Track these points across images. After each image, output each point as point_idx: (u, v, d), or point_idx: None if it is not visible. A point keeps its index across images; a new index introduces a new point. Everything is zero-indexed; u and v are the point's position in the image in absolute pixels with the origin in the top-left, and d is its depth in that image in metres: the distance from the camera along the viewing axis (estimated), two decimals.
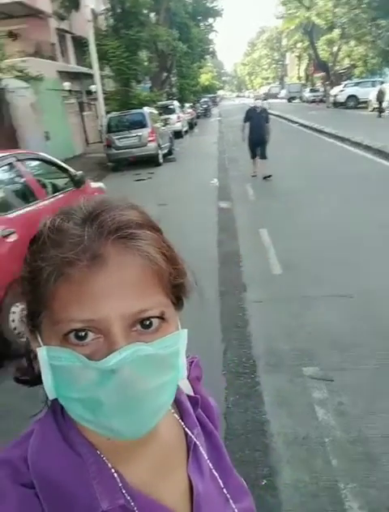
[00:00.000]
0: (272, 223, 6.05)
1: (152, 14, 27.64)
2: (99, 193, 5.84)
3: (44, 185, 4.69)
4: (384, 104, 20.67)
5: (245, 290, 4.15)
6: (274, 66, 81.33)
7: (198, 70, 40.82)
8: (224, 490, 0.60)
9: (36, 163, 4.94)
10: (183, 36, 27.68)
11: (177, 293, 0.51)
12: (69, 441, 0.51)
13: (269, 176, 8.85)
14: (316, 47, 38.75)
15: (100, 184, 6.21)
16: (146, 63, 23.19)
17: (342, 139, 13.30)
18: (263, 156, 9.05)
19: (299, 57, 52.11)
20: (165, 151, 13.86)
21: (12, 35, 17.06)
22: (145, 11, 20.19)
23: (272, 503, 1.96)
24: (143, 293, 0.45)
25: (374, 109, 22.19)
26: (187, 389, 0.66)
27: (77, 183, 5.16)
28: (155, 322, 0.46)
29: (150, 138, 12.54)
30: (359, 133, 13.04)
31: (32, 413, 0.58)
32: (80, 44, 17.45)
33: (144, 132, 12.58)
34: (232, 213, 6.92)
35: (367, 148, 11.12)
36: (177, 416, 0.61)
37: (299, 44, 47.12)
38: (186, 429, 0.59)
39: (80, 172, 5.30)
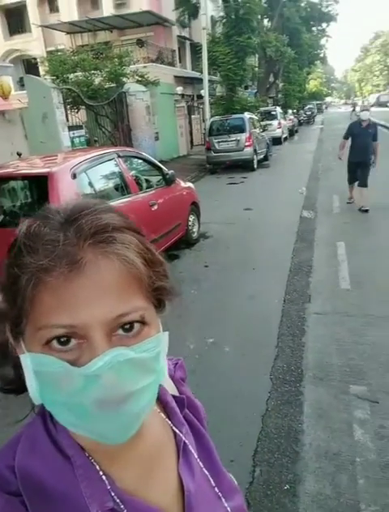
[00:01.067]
0: (351, 237, 5.77)
1: (266, 21, 27.24)
2: (188, 192, 6.07)
3: (138, 181, 5.01)
4: None
5: (310, 301, 4.06)
6: (386, 72, 75.32)
7: (306, 76, 39.34)
8: (216, 489, 0.58)
9: (135, 160, 5.29)
10: (293, 41, 26.86)
11: (158, 296, 0.49)
12: (57, 445, 0.49)
13: (366, 210, 6.81)
14: None
15: (189, 184, 6.41)
16: (255, 68, 22.99)
17: None
18: (363, 184, 6.94)
19: None
20: (261, 156, 13.73)
21: (140, 42, 18.09)
22: (258, 17, 20.01)
23: (290, 509, 1.97)
24: (122, 298, 0.44)
25: None
26: (172, 389, 0.64)
27: (168, 181, 5.43)
28: (136, 325, 0.45)
29: (247, 143, 12.52)
30: None
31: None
32: (197, 50, 17.93)
33: (242, 137, 12.58)
34: (313, 223, 6.71)
35: None
36: (163, 415, 0.59)
37: None
38: (174, 429, 0.58)
39: (171, 171, 5.54)
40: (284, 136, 20.77)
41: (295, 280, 4.60)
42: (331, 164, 11.56)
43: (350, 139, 7.12)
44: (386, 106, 48.50)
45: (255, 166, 12.84)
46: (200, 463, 0.58)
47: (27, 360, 0.45)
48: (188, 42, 23.58)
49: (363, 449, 2.30)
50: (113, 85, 12.44)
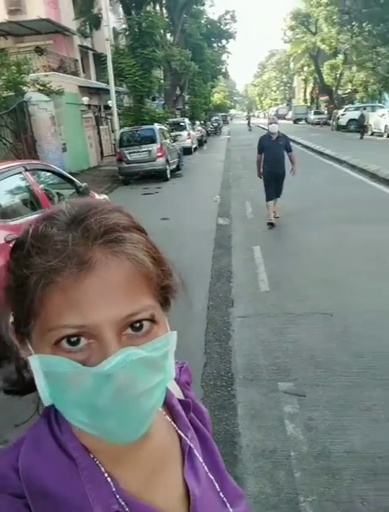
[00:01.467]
0: (266, 241, 6.11)
1: (168, 35, 28.05)
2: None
3: (50, 195, 4.77)
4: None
5: (233, 305, 4.19)
6: (282, 88, 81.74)
7: (210, 89, 41.14)
8: (221, 494, 0.58)
9: (44, 173, 5.04)
10: (196, 56, 27.97)
11: (164, 294, 0.50)
12: (62, 446, 0.49)
13: (277, 217, 7.00)
14: (321, 71, 39.13)
15: (104, 196, 6.28)
16: (161, 81, 23.47)
17: (340, 161, 13.38)
18: (277, 195, 6.96)
19: (305, 81, 52.39)
20: (173, 166, 13.98)
21: (39, 50, 17.40)
22: (161, 32, 20.59)
23: None
24: (132, 297, 0.44)
25: (372, 133, 22.66)
26: (177, 393, 0.64)
27: (81, 194, 5.25)
28: (145, 324, 0.45)
29: (159, 154, 12.66)
30: (349, 154, 13.20)
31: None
32: (101, 61, 17.78)
33: (154, 147, 12.71)
34: (229, 230, 6.98)
35: (362, 171, 11.21)
36: (169, 418, 0.59)
37: (305, 68, 47.53)
38: (180, 432, 0.58)
39: (85, 183, 5.40)
40: (194, 146, 21.42)
41: (217, 286, 4.71)
42: (241, 173, 12.19)
43: (263, 154, 6.93)
44: (285, 118, 52.59)
45: (169, 176, 13.03)
46: (205, 468, 0.58)
47: (35, 362, 0.45)
48: (91, 52, 23.27)
49: (296, 442, 2.41)
50: (11, 94, 11.80)
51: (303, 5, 38.95)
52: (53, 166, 5.39)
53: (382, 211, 7.24)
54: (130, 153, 12.86)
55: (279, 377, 2.99)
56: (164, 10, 26.93)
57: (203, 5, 31.48)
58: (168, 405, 0.60)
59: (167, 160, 12.98)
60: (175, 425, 0.58)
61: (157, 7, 24.47)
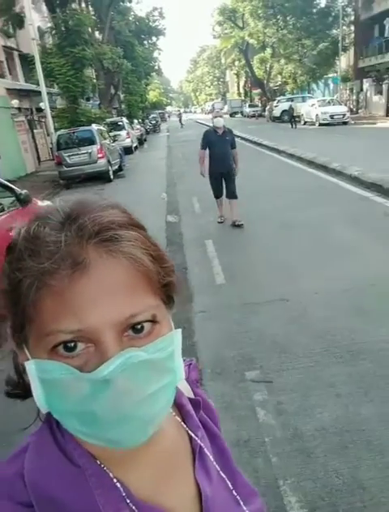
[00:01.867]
0: (216, 235, 6.17)
1: (97, 33, 27.39)
2: None
3: None
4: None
5: (192, 301, 4.19)
6: (216, 82, 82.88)
7: (145, 87, 40.80)
8: (234, 492, 0.57)
9: None
10: (128, 54, 27.59)
11: (167, 292, 0.48)
12: (67, 453, 0.47)
13: (241, 224, 6.27)
14: (251, 65, 40.10)
15: (47, 202, 6.03)
16: (94, 80, 22.88)
17: (278, 151, 13.80)
18: (232, 195, 6.36)
19: (237, 75, 53.49)
20: (116, 167, 13.73)
21: None
22: (89, 30, 20.02)
23: None
24: (132, 297, 0.42)
25: (305, 123, 23.73)
26: (187, 391, 0.62)
27: (23, 202, 5.00)
28: (146, 325, 0.43)
29: (99, 155, 12.38)
30: (285, 143, 13.68)
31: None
32: (28, 61, 16.99)
33: (94, 149, 12.41)
34: (179, 226, 6.97)
35: (300, 159, 11.64)
36: (179, 418, 0.57)
37: (236, 63, 48.49)
38: (190, 432, 0.56)
39: (25, 191, 5.13)
40: (135, 145, 21.16)
41: None
42: (184, 169, 12.20)
43: (208, 150, 6.37)
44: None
45: (111, 177, 12.78)
46: (217, 467, 0.57)
47: (31, 367, 0.44)
48: (17, 53, 22.21)
49: (268, 428, 2.45)
50: None
51: (229, 0, 39.65)
52: None
53: (322, 195, 7.58)
54: (69, 156, 12.46)
55: (245, 367, 3.03)
56: (91, 8, 26.25)
57: (130, 1, 31.09)
58: (178, 405, 0.58)
59: (109, 161, 12.72)
60: (185, 426, 0.57)
61: (83, 4, 23.80)
